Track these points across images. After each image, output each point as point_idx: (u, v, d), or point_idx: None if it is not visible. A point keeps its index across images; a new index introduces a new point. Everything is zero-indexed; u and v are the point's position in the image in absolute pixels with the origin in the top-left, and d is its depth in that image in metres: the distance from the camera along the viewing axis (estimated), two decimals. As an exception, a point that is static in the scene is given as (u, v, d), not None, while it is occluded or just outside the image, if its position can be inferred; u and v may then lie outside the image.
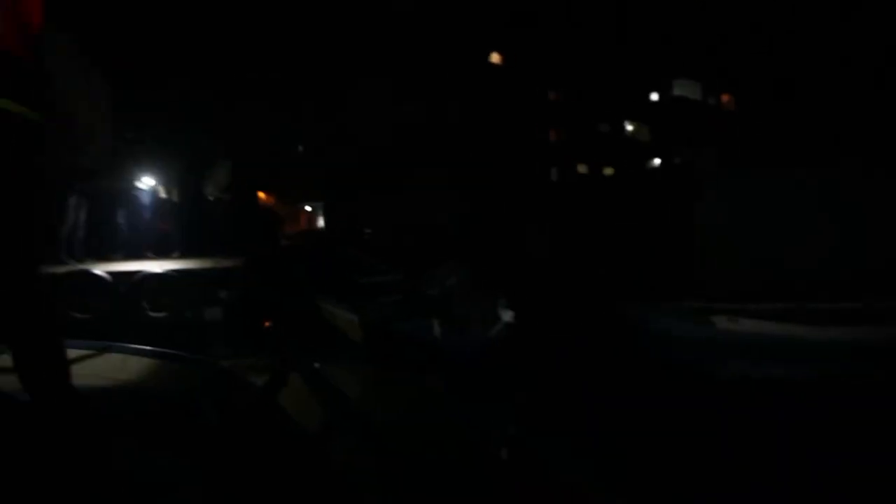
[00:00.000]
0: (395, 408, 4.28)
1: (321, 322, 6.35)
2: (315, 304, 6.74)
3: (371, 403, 4.43)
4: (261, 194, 16.61)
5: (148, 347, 1.97)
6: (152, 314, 5.69)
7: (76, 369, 1.34)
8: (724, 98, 29.76)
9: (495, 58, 22.95)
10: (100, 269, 5.68)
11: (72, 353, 1.39)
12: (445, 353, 4.84)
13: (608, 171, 26.28)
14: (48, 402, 1.21)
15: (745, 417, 3.81)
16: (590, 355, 4.72)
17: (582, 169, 25.81)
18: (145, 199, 6.86)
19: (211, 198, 7.16)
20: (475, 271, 5.10)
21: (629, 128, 28.74)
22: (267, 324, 6.68)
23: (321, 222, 21.81)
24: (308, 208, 22.63)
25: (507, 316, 4.77)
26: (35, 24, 1.18)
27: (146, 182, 6.90)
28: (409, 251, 10.85)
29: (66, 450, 1.18)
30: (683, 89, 28.26)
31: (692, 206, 7.99)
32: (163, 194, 7.15)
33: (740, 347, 4.61)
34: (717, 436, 3.51)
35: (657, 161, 27.79)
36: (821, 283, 6.00)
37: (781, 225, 7.13)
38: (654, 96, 28.67)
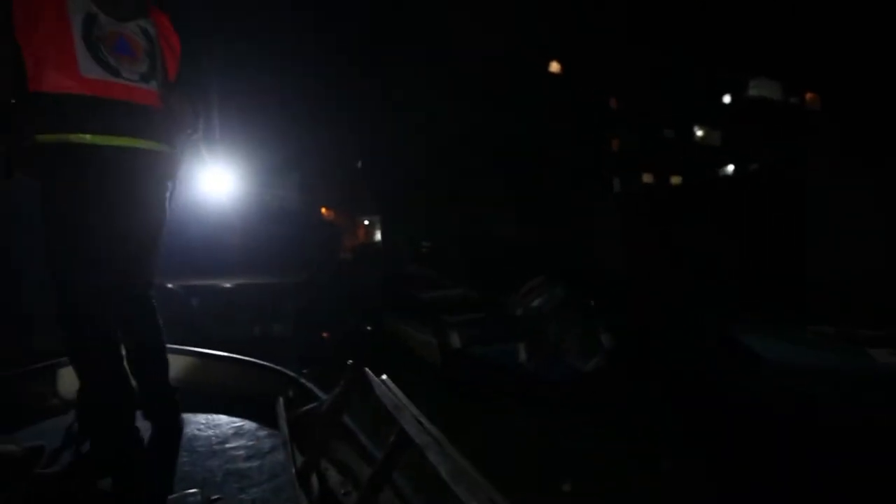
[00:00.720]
0: (473, 440, 3.77)
1: (393, 342, 5.96)
2: (385, 321, 6.38)
3: (443, 428, 3.95)
4: (322, 208, 16.82)
5: (230, 355, 2.15)
6: (222, 328, 5.53)
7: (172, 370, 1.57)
8: (809, 97, 27.24)
9: (554, 66, 22.29)
10: (172, 283, 5.61)
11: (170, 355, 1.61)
12: (534, 382, 4.25)
13: (675, 179, 24.63)
14: (155, 389, 1.48)
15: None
16: (707, 395, 3.95)
17: (647, 178, 24.37)
18: (214, 211, 6.82)
19: (279, 209, 7.02)
20: (570, 291, 4.47)
21: (699, 133, 26.91)
22: (325, 335, 6.42)
23: (378, 236, 21.84)
24: (366, 222, 22.79)
25: (608, 343, 4.10)
26: (171, 77, 1.47)
27: (215, 193, 6.87)
28: (473, 266, 10.37)
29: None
30: (761, 89, 26.13)
31: (802, 219, 6.98)
32: (233, 206, 7.10)
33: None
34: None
35: (730, 168, 25.78)
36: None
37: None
38: (727, 98, 26.73)
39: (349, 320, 6.63)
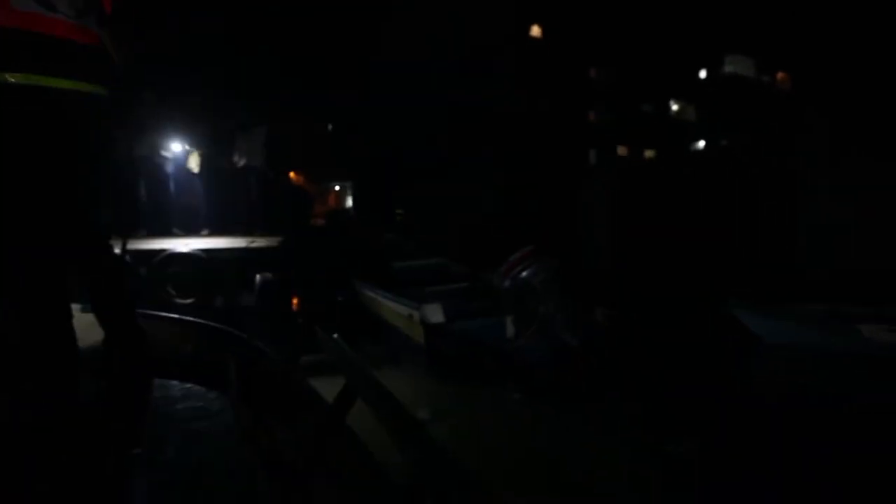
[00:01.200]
0: (460, 423, 3.51)
1: (368, 314, 5.58)
2: (359, 292, 5.97)
3: (431, 415, 3.69)
4: (291, 174, 15.90)
5: (180, 317, 2.15)
6: (178, 300, 5.00)
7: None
8: (780, 76, 27.52)
9: (535, 31, 21.57)
10: (118, 248, 4.98)
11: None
12: (524, 359, 3.98)
13: (649, 153, 24.71)
14: (123, 342, 1.48)
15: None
16: (708, 375, 3.77)
17: (622, 151, 24.32)
18: (171, 169, 6.12)
19: (243, 169, 6.37)
20: (561, 263, 4.16)
21: (674, 107, 26.91)
22: (295, 305, 6.00)
23: (350, 202, 21.12)
24: (337, 188, 21.95)
25: (603, 319, 3.85)
26: (107, 13, 1.38)
27: (171, 149, 6.15)
28: (450, 236, 10.02)
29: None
30: (737, 66, 26.18)
31: (794, 198, 6.89)
32: (191, 163, 6.39)
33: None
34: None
35: (702, 143, 26.02)
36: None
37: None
38: (703, 73, 26.70)
39: (320, 290, 6.19)
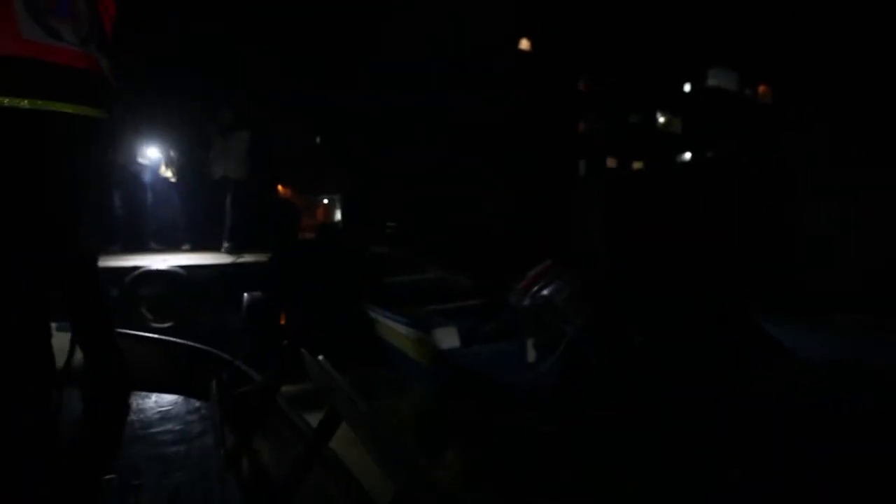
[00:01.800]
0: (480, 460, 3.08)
1: (367, 334, 5.10)
2: (356, 309, 5.50)
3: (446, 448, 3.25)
4: (279, 186, 15.42)
5: (161, 337, 2.19)
6: (154, 324, 4.45)
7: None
8: (762, 90, 28.10)
9: (524, 44, 21.64)
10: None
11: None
12: (549, 385, 3.55)
13: (637, 164, 24.89)
14: (101, 362, 1.46)
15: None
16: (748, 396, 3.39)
17: (611, 162, 24.43)
18: (148, 178, 5.58)
19: (225, 178, 5.87)
20: (585, 278, 3.76)
21: (660, 119, 27.23)
22: (283, 322, 5.53)
23: (338, 215, 20.66)
24: (325, 201, 21.48)
25: (638, 338, 3.46)
26: (108, 38, 1.47)
27: (148, 156, 5.63)
28: (444, 249, 9.66)
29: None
30: (720, 79, 26.69)
31: (792, 205, 6.75)
32: (169, 171, 5.86)
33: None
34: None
35: (687, 155, 26.32)
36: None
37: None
38: (687, 87, 27.13)
39: (311, 309, 5.71)
